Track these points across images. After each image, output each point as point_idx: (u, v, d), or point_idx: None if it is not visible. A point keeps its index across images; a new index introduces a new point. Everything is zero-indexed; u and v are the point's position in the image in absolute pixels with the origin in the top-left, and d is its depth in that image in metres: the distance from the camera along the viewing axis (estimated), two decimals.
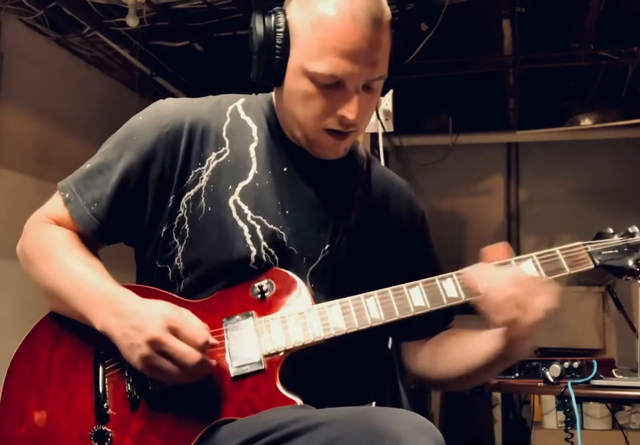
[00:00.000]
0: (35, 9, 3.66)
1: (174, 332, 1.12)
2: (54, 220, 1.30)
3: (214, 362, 1.15)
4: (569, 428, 2.40)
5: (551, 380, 2.34)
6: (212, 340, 1.16)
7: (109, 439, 1.17)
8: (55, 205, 1.31)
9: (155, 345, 1.11)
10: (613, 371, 2.41)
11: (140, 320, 1.13)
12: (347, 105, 1.22)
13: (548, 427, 4.56)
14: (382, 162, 3.06)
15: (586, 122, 5.10)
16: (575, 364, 2.33)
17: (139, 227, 1.30)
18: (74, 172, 1.33)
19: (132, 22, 3.62)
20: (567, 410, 2.37)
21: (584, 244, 1.27)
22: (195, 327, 1.14)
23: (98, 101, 4.43)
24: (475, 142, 5.61)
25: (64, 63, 4.15)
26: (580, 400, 2.42)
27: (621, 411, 4.38)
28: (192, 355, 1.11)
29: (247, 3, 3.70)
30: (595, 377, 2.30)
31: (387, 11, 1.24)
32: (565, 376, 2.33)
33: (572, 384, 2.23)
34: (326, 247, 1.30)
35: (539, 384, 2.39)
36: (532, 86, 5.02)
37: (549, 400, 4.50)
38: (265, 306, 1.23)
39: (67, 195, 1.29)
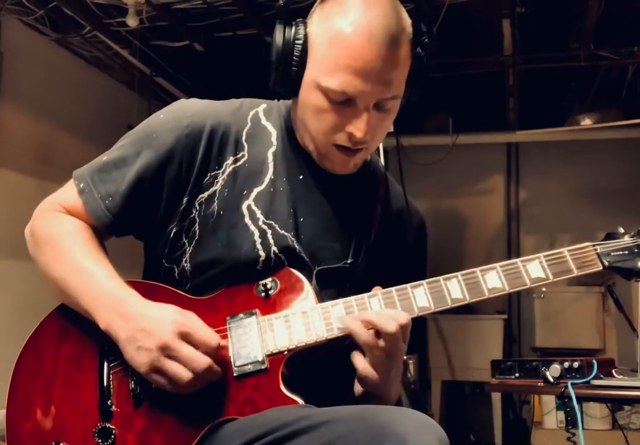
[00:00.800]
0: (35, 9, 3.66)
1: (186, 336, 1.13)
2: (65, 209, 1.30)
3: (219, 369, 1.15)
4: (569, 428, 2.40)
5: (551, 380, 2.34)
6: (223, 342, 1.17)
7: (112, 436, 1.17)
8: (69, 194, 1.31)
9: (165, 350, 1.12)
10: (613, 371, 2.41)
11: (149, 324, 1.14)
12: (357, 122, 1.22)
13: (548, 427, 4.57)
14: (382, 162, 3.07)
15: (586, 122, 5.10)
16: (575, 364, 2.33)
17: (150, 224, 1.30)
18: (86, 164, 1.33)
19: (132, 22, 3.62)
20: (567, 410, 2.37)
21: (593, 245, 1.25)
22: (206, 330, 1.16)
23: (98, 101, 4.43)
24: (475, 142, 5.61)
25: (64, 63, 4.15)
26: (580, 400, 2.42)
27: (621, 411, 4.38)
28: (201, 360, 1.12)
29: (247, 3, 3.70)
30: (595, 377, 2.30)
31: (408, 30, 1.24)
32: (565, 376, 2.33)
33: (572, 384, 2.23)
34: (349, 261, 1.31)
35: (539, 384, 2.39)
36: (532, 86, 5.01)
37: (549, 400, 4.50)
38: (269, 304, 1.23)
39: (81, 185, 1.30)
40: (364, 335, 1.16)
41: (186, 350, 1.12)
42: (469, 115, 5.33)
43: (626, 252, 1.25)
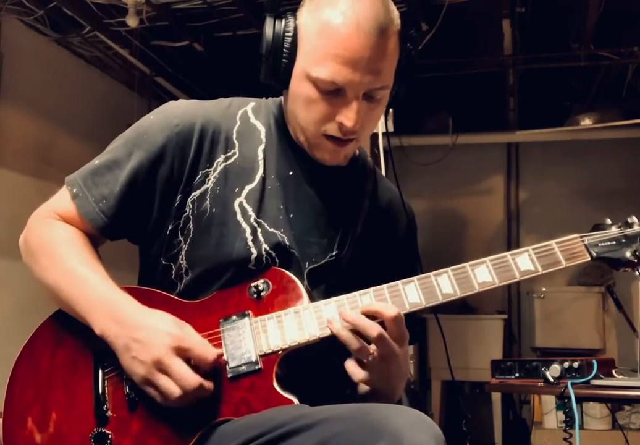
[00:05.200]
0: (35, 9, 3.66)
1: (181, 352, 1.13)
2: (59, 216, 1.31)
3: (211, 386, 1.15)
4: (568, 428, 2.40)
5: (551, 380, 2.34)
6: (219, 352, 1.17)
7: (108, 441, 1.17)
8: (62, 199, 1.31)
9: (159, 364, 1.12)
10: (613, 371, 2.41)
11: (144, 335, 1.14)
12: (346, 112, 1.22)
13: (548, 427, 4.57)
14: (382, 162, 3.07)
15: (586, 122, 5.10)
16: (575, 364, 2.33)
17: (144, 225, 1.31)
18: (81, 167, 1.33)
19: (132, 22, 3.62)
20: (567, 410, 2.37)
21: (581, 236, 1.25)
22: (203, 345, 1.16)
23: (98, 101, 4.43)
24: (475, 142, 5.61)
25: (64, 63, 4.15)
26: (580, 400, 2.42)
27: (621, 411, 4.39)
28: (192, 379, 1.12)
29: (247, 3, 3.70)
30: (595, 377, 2.30)
31: (396, 21, 1.25)
32: (565, 376, 2.33)
33: (572, 384, 2.23)
34: (334, 253, 1.31)
35: (539, 384, 2.39)
36: (532, 86, 5.02)
37: (549, 400, 4.50)
38: (261, 306, 1.23)
39: (74, 190, 1.30)
40: (354, 343, 1.15)
41: (179, 367, 1.12)
42: (469, 115, 5.33)
43: (614, 242, 1.25)
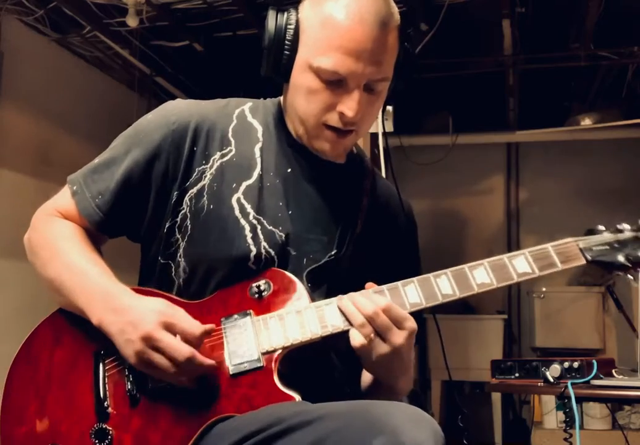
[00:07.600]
0: (35, 9, 3.66)
1: (170, 327, 1.14)
2: (61, 213, 1.33)
3: (207, 360, 1.16)
4: (568, 428, 2.40)
5: (551, 380, 2.34)
6: (209, 327, 1.17)
7: (109, 437, 1.17)
8: (64, 197, 1.34)
9: (149, 340, 1.13)
10: (613, 371, 2.41)
11: (135, 316, 1.15)
12: (348, 102, 1.25)
13: (548, 427, 4.57)
14: (382, 162, 3.07)
15: (586, 122, 5.11)
16: (575, 364, 2.33)
17: (141, 221, 1.32)
18: (82, 166, 1.36)
19: (132, 22, 3.62)
20: (567, 410, 2.37)
21: (575, 240, 1.28)
22: (189, 319, 1.17)
23: (98, 101, 4.43)
24: (475, 142, 5.62)
25: (64, 63, 4.15)
26: (580, 400, 2.42)
27: (621, 411, 4.39)
28: (183, 350, 1.13)
29: (247, 3, 3.70)
30: (595, 377, 2.30)
31: (396, 16, 1.28)
32: (565, 376, 2.33)
33: (572, 384, 2.23)
34: (333, 252, 1.32)
35: (539, 384, 2.39)
36: (532, 86, 5.02)
37: (549, 400, 4.50)
38: (262, 306, 1.24)
39: (74, 187, 1.33)
40: (356, 317, 1.17)
41: (168, 340, 1.13)
42: (469, 115, 5.33)
43: (607, 247, 1.28)
